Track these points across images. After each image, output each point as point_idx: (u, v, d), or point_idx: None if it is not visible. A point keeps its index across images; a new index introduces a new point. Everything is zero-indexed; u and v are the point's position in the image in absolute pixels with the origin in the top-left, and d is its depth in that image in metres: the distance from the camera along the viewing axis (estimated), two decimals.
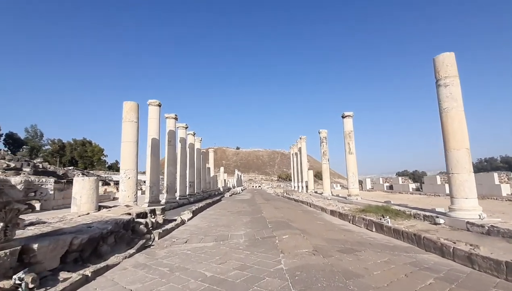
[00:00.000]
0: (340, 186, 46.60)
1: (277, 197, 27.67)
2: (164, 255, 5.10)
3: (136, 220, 6.61)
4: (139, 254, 5.20)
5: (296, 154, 31.85)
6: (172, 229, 7.75)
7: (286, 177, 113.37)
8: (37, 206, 13.18)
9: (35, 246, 3.42)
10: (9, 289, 2.90)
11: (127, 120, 9.64)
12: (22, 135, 62.22)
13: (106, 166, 75.32)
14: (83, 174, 33.95)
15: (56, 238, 3.88)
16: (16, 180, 2.96)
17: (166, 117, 14.78)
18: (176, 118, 15.11)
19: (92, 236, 4.60)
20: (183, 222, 9.00)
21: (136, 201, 9.53)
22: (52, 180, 13.76)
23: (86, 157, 69.20)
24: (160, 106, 12.59)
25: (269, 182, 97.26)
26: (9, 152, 36.16)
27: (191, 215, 10.69)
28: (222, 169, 40.77)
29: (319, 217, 10.29)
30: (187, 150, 18.63)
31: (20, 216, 3.50)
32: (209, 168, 27.83)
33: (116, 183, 28.68)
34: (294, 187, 32.34)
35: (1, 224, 2.99)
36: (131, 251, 5.20)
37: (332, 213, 10.68)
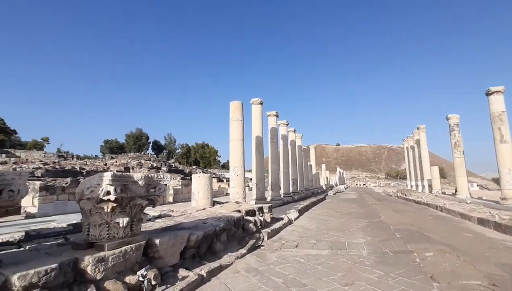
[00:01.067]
0: (477, 186, 36.82)
1: (390, 197, 24.01)
2: (276, 260, 4.56)
3: (245, 217, 6.43)
4: (250, 256, 4.86)
5: (411, 147, 26.91)
6: (280, 229, 7.28)
7: (396, 175, 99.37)
8: (171, 198, 15.53)
9: (157, 241, 3.41)
10: (134, 285, 2.86)
11: (234, 119, 9.87)
12: (162, 142, 77.93)
13: (220, 165, 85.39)
14: (202, 172, 39.31)
15: (175, 233, 3.86)
16: (137, 176, 2.87)
17: (268, 115, 14.77)
18: (277, 116, 14.93)
19: (207, 233, 4.51)
20: (290, 222, 8.46)
21: (244, 197, 9.64)
22: (178, 176, 15.77)
23: (205, 158, 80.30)
24: (262, 104, 12.59)
25: (375, 180, 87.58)
26: (155, 155, 45.27)
27: (297, 214, 10.08)
28: (323, 166, 38.99)
29: (461, 226, 7.80)
30: (289, 147, 18.27)
31: (146, 214, 3.59)
32: (311, 165, 26.86)
33: (228, 180, 31.46)
34: (411, 186, 27.41)
35: (127, 219, 3.01)
36: (243, 251, 4.92)
37: (482, 222, 7.92)
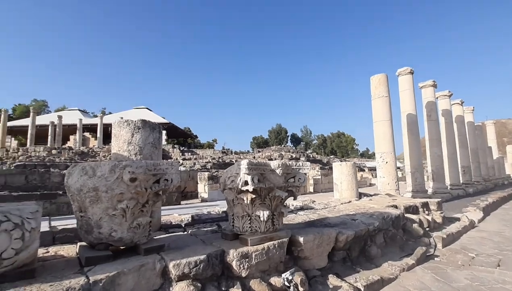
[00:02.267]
0: None
1: None
2: (467, 284, 3.06)
3: (406, 215, 5.00)
4: (421, 269, 3.56)
5: None
6: (459, 234, 5.25)
7: None
8: (311, 188, 15.36)
9: (301, 239, 2.91)
10: (279, 289, 2.45)
11: (377, 97, 8.22)
12: (299, 134, 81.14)
13: (359, 154, 79.31)
14: (340, 161, 37.43)
15: (320, 231, 3.24)
16: (274, 164, 2.43)
17: (421, 87, 11.66)
18: (434, 86, 11.53)
19: (358, 233, 3.64)
20: (472, 224, 6.06)
21: (397, 189, 7.86)
22: (317, 166, 15.28)
23: (342, 147, 76.80)
24: (412, 74, 9.97)
25: None
26: (293, 147, 47.50)
27: (482, 213, 7.20)
28: (510, 147, 27.82)
29: None
30: (454, 124, 13.86)
31: (286, 204, 3.18)
32: (490, 148, 19.64)
33: (371, 169, 28.35)
34: None
35: (267, 212, 2.65)
36: (409, 261, 3.68)
37: None
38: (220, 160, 18.09)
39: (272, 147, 33.70)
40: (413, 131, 9.88)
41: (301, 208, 4.87)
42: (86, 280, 1.75)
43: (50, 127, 27.37)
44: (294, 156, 21.53)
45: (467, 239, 5.04)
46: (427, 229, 5.07)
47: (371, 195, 6.85)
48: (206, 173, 11.44)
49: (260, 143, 67.09)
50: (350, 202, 5.64)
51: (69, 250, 2.44)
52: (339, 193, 6.38)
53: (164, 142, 29.40)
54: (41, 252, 2.35)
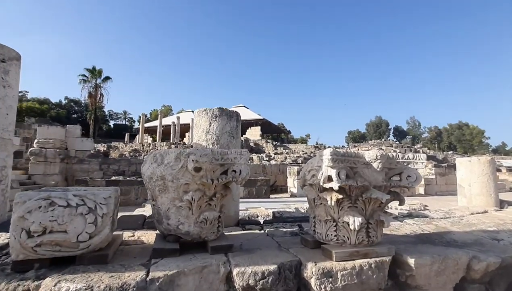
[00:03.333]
0: None
1: None
2: None
3: None
4: None
5: None
6: None
7: None
8: (421, 189, 12.65)
9: (411, 260, 2.07)
10: None
11: None
12: (404, 127, 70.04)
13: (490, 149, 61.67)
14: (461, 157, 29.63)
15: (442, 252, 2.27)
16: (370, 155, 1.73)
17: None
18: None
19: (507, 261, 2.41)
20: None
21: None
22: (430, 163, 12.54)
23: (465, 141, 61.52)
24: None
25: None
26: (396, 141, 41.48)
27: None
28: None
29: None
30: None
31: (387, 210, 2.36)
32: None
33: (510, 170, 21.38)
34: None
35: (359, 218, 1.97)
36: None
37: None
38: (312, 155, 17.32)
39: (370, 142, 30.17)
40: None
41: (409, 215, 3.75)
42: (144, 276, 1.60)
43: (171, 126, 33.15)
44: (397, 151, 18.37)
45: None
46: None
47: None
48: (296, 167, 11.03)
49: (356, 138, 61.57)
50: (486, 212, 4.02)
51: (150, 237, 2.47)
52: (467, 198, 4.72)
53: (258, 137, 30.85)
54: (127, 235, 2.47)
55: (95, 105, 33.50)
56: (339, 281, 1.84)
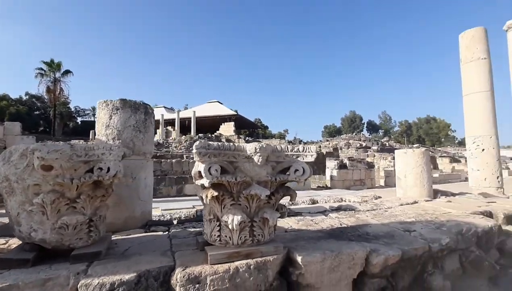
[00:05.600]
0: None
1: None
2: None
3: (505, 228, 3.26)
4: None
5: None
6: None
7: None
8: (382, 181, 13.06)
9: (299, 258, 1.96)
10: None
11: (470, 60, 5.96)
12: (377, 121, 72.73)
13: (456, 141, 65.85)
14: (431, 152, 31.34)
15: (339, 247, 2.19)
16: (250, 149, 1.55)
17: None
18: None
19: (409, 253, 2.39)
20: None
21: (501, 187, 5.58)
22: (390, 156, 12.94)
23: (432, 134, 65.11)
24: None
25: None
26: (365, 135, 42.81)
27: None
28: None
29: None
30: None
31: (289, 203, 2.24)
32: None
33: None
34: None
35: (239, 217, 1.82)
36: None
37: None
38: None
39: (342, 136, 30.95)
40: None
41: (338, 208, 3.72)
42: None
43: None
44: (364, 144, 18.95)
45: None
46: None
47: (455, 194, 4.98)
48: None
49: (332, 132, 63.05)
50: (415, 202, 4.10)
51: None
52: (403, 189, 4.82)
53: (232, 133, 30.51)
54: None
55: (54, 101, 31.31)
56: (207, 287, 1.68)
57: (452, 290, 2.49)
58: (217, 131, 30.16)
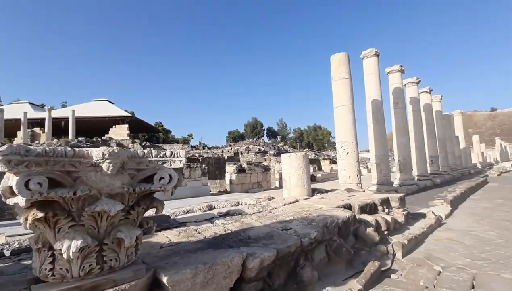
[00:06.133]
0: None
1: None
2: None
3: (359, 217, 4.01)
4: None
5: None
6: (424, 235, 4.38)
7: None
8: (277, 183, 14.35)
9: (165, 279, 1.71)
10: None
11: (338, 79, 7.23)
12: (276, 128, 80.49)
13: (335, 146, 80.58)
14: (315, 155, 36.95)
15: (213, 259, 2.08)
16: (97, 154, 1.13)
17: (388, 73, 10.95)
18: (402, 71, 10.85)
19: (283, 252, 2.53)
20: (438, 222, 5.26)
21: (359, 182, 6.97)
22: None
23: (318, 140, 77.36)
24: (378, 56, 9.13)
25: None
26: (264, 140, 46.56)
27: (449, 207, 6.50)
28: (476, 137, 28.86)
29: None
30: (422, 113, 13.44)
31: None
32: (457, 137, 19.81)
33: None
34: None
35: (78, 242, 1.41)
36: (355, 285, 2.64)
37: None
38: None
39: (244, 141, 32.54)
40: (378, 120, 9.08)
41: (226, 214, 3.70)
42: None
43: None
44: (262, 149, 20.51)
45: (433, 242, 4.17)
46: (386, 232, 4.13)
47: (327, 191, 5.87)
48: None
49: (235, 138, 65.63)
50: (296, 201, 4.57)
51: None
52: (288, 190, 5.31)
53: (126, 136, 27.19)
54: None
55: None
56: None
57: (319, 278, 2.80)
58: (106, 135, 26.20)
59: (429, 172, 13.32)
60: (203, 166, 9.90)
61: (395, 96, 10.88)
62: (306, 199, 4.81)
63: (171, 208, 5.50)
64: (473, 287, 2.63)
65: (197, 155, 17.79)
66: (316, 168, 20.38)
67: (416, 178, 11.80)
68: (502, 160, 39.37)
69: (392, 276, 2.99)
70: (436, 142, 14.48)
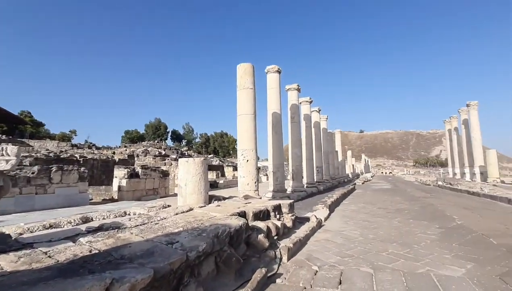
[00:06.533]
0: None
1: (428, 186, 20.65)
2: None
3: (252, 224, 4.08)
4: None
5: (455, 129, 23.11)
6: (307, 237, 4.87)
7: (426, 162, 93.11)
8: (175, 189, 13.54)
9: None
10: None
11: (242, 88, 7.43)
12: (181, 131, 77.25)
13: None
14: (220, 161, 37.32)
15: (62, 290, 1.56)
16: None
17: (287, 90, 12.17)
18: (298, 90, 12.28)
19: (163, 270, 2.20)
20: (319, 224, 6.01)
21: (257, 189, 7.29)
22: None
23: (224, 147, 78.95)
24: (280, 73, 9.99)
25: (402, 168, 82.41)
26: (166, 143, 43.98)
27: (327, 211, 7.59)
28: (349, 153, 35.76)
29: None
30: (312, 129, 15.60)
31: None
32: (336, 152, 23.96)
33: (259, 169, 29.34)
34: (454, 173, 23.75)
35: None
36: None
37: None
38: (52, 154, 13.46)
39: (143, 143, 29.66)
40: (277, 131, 9.90)
41: (99, 228, 3.04)
42: None
43: None
44: (163, 153, 19.12)
45: (314, 244, 4.67)
46: (276, 237, 4.36)
47: (225, 198, 5.83)
48: None
49: (134, 139, 59.20)
50: (190, 210, 4.28)
51: None
52: (183, 198, 4.96)
53: None
54: None
55: None
56: None
57: None
58: None
59: (315, 180, 15.46)
60: (82, 169, 8.23)
61: (292, 112, 12.20)
62: (202, 207, 4.59)
63: (25, 223, 4.24)
64: (340, 282, 2.99)
65: (77, 156, 14.91)
66: (220, 175, 20.51)
67: (305, 185, 13.43)
68: (366, 171, 50.40)
69: (277, 280, 3.10)
70: (322, 155, 17.02)
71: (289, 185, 11.92)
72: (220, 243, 3.03)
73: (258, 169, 7.61)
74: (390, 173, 68.94)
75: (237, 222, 3.52)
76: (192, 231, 3.13)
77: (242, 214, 4.17)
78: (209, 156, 35.00)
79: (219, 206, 4.67)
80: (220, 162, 31.43)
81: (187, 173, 4.93)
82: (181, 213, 4.08)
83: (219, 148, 77.31)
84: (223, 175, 22.24)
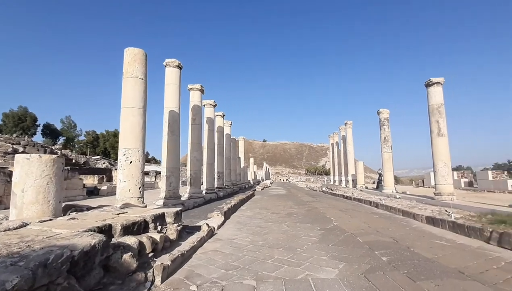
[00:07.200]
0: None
1: (315, 192, 23.76)
2: None
3: (119, 240, 3.26)
4: None
5: (336, 143, 27.59)
6: (193, 250, 4.35)
7: (315, 171, 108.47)
8: None
9: None
10: None
11: (130, 76, 6.36)
12: (59, 126, 63.47)
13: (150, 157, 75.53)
14: (109, 164, 32.25)
15: None
16: None
17: (190, 89, 11.50)
18: (202, 91, 11.78)
19: None
20: (211, 232, 5.60)
21: (141, 197, 6.30)
22: None
23: (117, 148, 69.52)
24: (181, 68, 9.27)
25: (296, 175, 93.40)
26: (31, 139, 35.41)
27: (222, 218, 7.31)
28: (252, 160, 37.55)
29: (415, 227, 6.39)
30: (216, 133, 15.35)
31: None
32: (239, 158, 24.57)
33: (158, 174, 26.49)
34: (335, 181, 28.18)
35: None
36: None
37: (432, 221, 6.72)
38: None
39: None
40: (173, 131, 9.07)
41: None
42: None
43: None
44: (21, 149, 14.82)
45: (199, 257, 4.18)
46: (151, 254, 3.65)
47: (92, 208, 4.67)
48: None
49: None
50: (22, 226, 3.07)
51: None
52: (18, 209, 3.60)
53: None
54: None
55: None
56: None
57: None
58: None
59: (216, 185, 15.17)
60: None
61: (194, 113, 11.57)
62: (45, 221, 3.40)
63: None
64: None
65: None
66: (105, 179, 17.56)
67: (204, 191, 12.92)
68: (266, 178, 54.21)
69: None
70: (224, 160, 16.96)
71: (186, 191, 11.15)
72: (50, 274, 2.14)
73: (145, 173, 6.62)
74: (287, 179, 76.80)
75: (89, 240, 2.66)
76: (6, 258, 2.13)
77: (105, 229, 3.29)
78: (95, 157, 29.79)
79: (73, 219, 3.58)
80: (109, 165, 27.23)
81: (27, 175, 3.61)
82: (5, 230, 2.86)
83: (111, 149, 67.56)
84: (109, 179, 19.19)
